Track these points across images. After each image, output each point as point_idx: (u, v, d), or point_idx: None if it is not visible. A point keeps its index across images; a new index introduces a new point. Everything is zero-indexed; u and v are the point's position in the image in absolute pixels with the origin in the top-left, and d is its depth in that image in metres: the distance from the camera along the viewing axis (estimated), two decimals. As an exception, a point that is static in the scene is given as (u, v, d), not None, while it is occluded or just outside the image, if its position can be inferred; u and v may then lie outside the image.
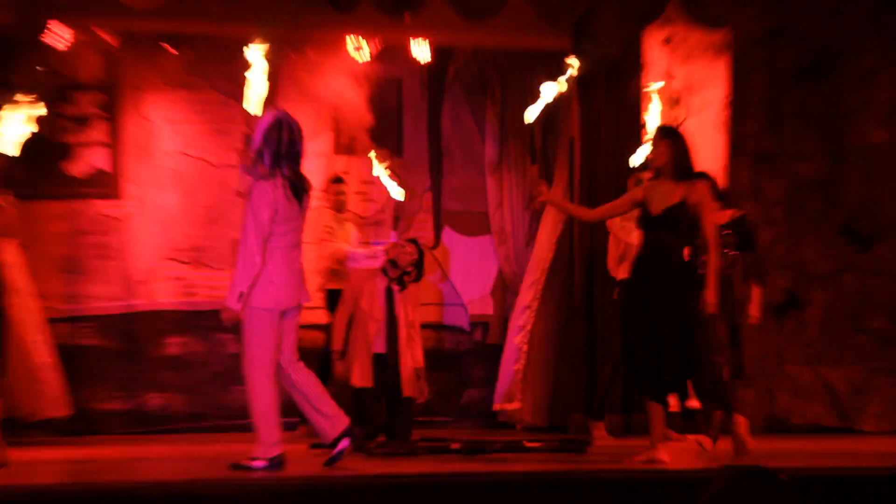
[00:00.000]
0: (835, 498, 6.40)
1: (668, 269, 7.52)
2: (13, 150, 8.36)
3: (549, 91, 8.77)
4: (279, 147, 7.25)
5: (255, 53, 8.48)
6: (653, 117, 9.79)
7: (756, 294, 8.86)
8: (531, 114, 8.72)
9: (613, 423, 9.86)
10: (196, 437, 10.27)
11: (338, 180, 10.30)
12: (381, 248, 9.65)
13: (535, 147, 11.10)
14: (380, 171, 10.08)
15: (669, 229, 7.54)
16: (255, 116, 8.29)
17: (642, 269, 7.67)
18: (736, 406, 8.66)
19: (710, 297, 7.52)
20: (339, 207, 10.09)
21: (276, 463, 7.25)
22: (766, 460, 7.55)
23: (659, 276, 7.55)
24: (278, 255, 7.24)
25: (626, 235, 9.27)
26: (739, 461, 7.54)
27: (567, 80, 9.04)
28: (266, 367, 7.28)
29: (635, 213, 8.21)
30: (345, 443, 7.30)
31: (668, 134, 7.80)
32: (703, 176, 7.98)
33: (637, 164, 9.50)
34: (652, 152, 7.81)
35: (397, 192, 10.13)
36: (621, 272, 9.27)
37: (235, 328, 7.50)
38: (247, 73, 8.52)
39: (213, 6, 9.23)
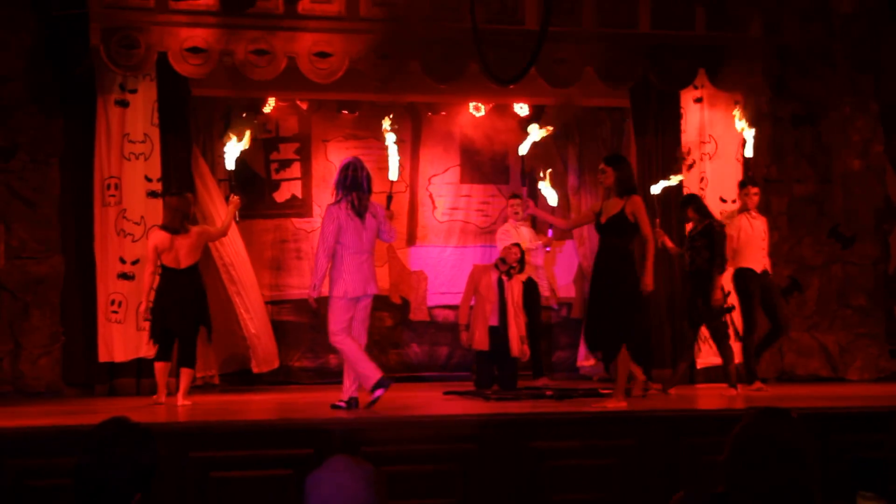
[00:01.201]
0: (829, 428, 6.28)
1: (612, 262, 7.26)
2: (230, 165, 8.60)
3: (535, 133, 8.46)
4: (345, 181, 7.39)
5: (389, 125, 8.31)
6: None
7: (717, 281, 8.66)
8: (523, 149, 8.41)
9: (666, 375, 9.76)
10: (362, 387, 10.33)
11: (515, 196, 10.19)
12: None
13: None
14: (545, 186, 9.87)
15: (613, 233, 7.27)
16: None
17: (596, 263, 7.45)
18: (727, 355, 8.56)
19: (649, 280, 7.22)
20: (515, 217, 9.98)
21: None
22: (779, 402, 7.42)
23: (606, 267, 7.30)
24: (347, 258, 7.33)
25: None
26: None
27: (543, 132, 8.74)
28: (342, 333, 7.34)
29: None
30: (379, 392, 7.24)
31: (612, 162, 7.47)
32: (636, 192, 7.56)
33: (658, 192, 9.25)
34: (601, 175, 7.49)
35: (553, 199, 9.91)
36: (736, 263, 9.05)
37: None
38: (385, 129, 8.36)
39: (373, 82, 9.30)
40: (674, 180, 9.47)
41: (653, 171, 10.12)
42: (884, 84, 10.52)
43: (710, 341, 9.24)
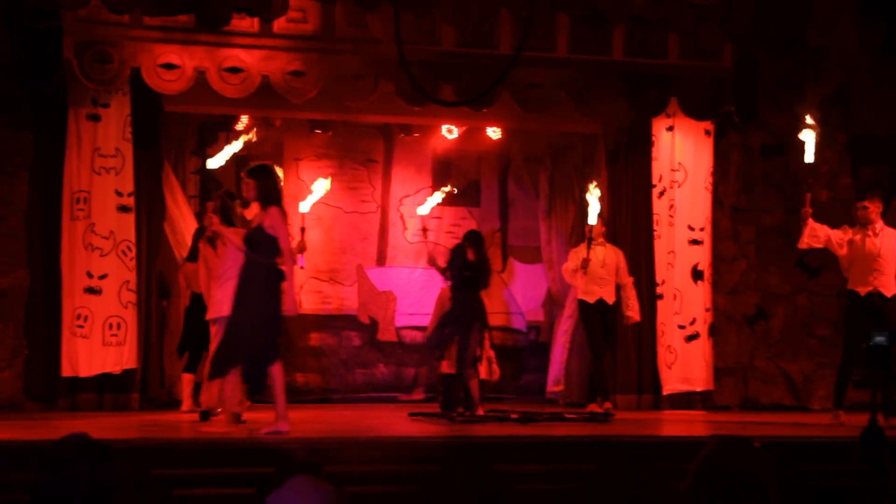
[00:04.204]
0: (791, 457, 6.30)
1: (251, 278, 6.90)
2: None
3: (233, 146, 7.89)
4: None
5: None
6: None
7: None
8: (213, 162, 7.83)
9: (642, 401, 9.83)
10: (327, 406, 10.29)
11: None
12: None
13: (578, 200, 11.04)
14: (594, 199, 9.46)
15: (253, 247, 7.02)
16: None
17: (240, 280, 7.11)
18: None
19: (287, 302, 6.85)
20: (589, 243, 9.45)
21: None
22: (742, 430, 7.45)
23: (246, 284, 6.94)
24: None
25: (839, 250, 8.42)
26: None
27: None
28: None
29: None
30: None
31: (254, 173, 7.13)
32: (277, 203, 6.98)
33: (307, 209, 8.86)
34: (244, 187, 7.15)
35: (594, 217, 9.43)
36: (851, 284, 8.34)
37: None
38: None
39: (346, 102, 9.31)
40: (320, 189, 9.03)
41: (623, 197, 10.19)
42: (852, 116, 10.63)
43: (674, 367, 9.23)
